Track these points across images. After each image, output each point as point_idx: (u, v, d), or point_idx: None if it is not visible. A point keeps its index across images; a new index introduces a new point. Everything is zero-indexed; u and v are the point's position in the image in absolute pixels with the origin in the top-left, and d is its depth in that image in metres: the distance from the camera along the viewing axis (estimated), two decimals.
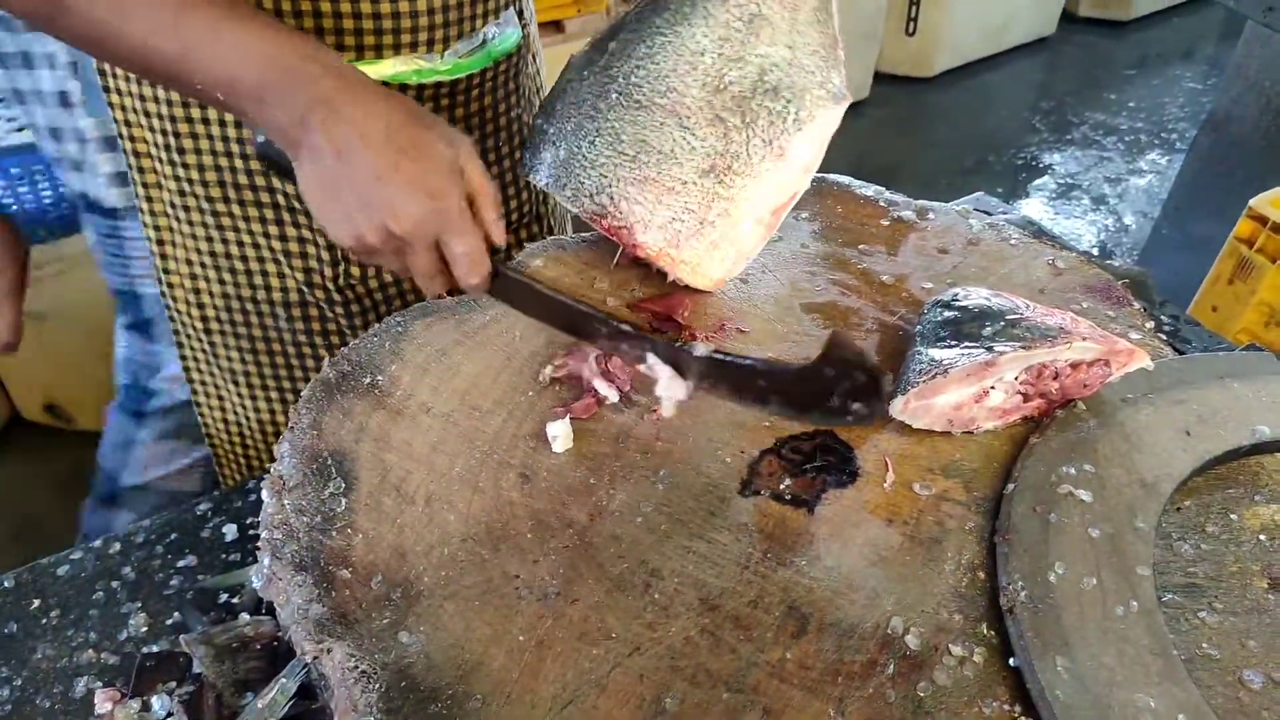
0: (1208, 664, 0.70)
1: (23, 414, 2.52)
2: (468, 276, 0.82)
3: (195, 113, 0.96)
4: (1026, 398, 0.84)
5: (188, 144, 0.98)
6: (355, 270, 1.04)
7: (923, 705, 0.66)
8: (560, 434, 0.83)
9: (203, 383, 1.17)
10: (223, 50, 0.75)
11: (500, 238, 0.84)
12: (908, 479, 0.82)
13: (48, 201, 2.02)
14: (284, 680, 0.76)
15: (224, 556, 0.96)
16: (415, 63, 0.97)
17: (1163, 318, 1.14)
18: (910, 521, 0.78)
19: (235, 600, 0.91)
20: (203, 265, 1.05)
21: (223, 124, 0.97)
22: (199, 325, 1.10)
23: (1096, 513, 0.77)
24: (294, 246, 1.02)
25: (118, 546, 0.98)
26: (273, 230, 1.01)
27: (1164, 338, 0.98)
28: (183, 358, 1.16)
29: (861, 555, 0.76)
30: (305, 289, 1.04)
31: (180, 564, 0.96)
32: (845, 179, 1.15)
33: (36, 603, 0.91)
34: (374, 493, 0.80)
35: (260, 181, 0.99)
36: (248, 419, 1.17)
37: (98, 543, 0.98)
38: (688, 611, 0.72)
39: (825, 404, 0.76)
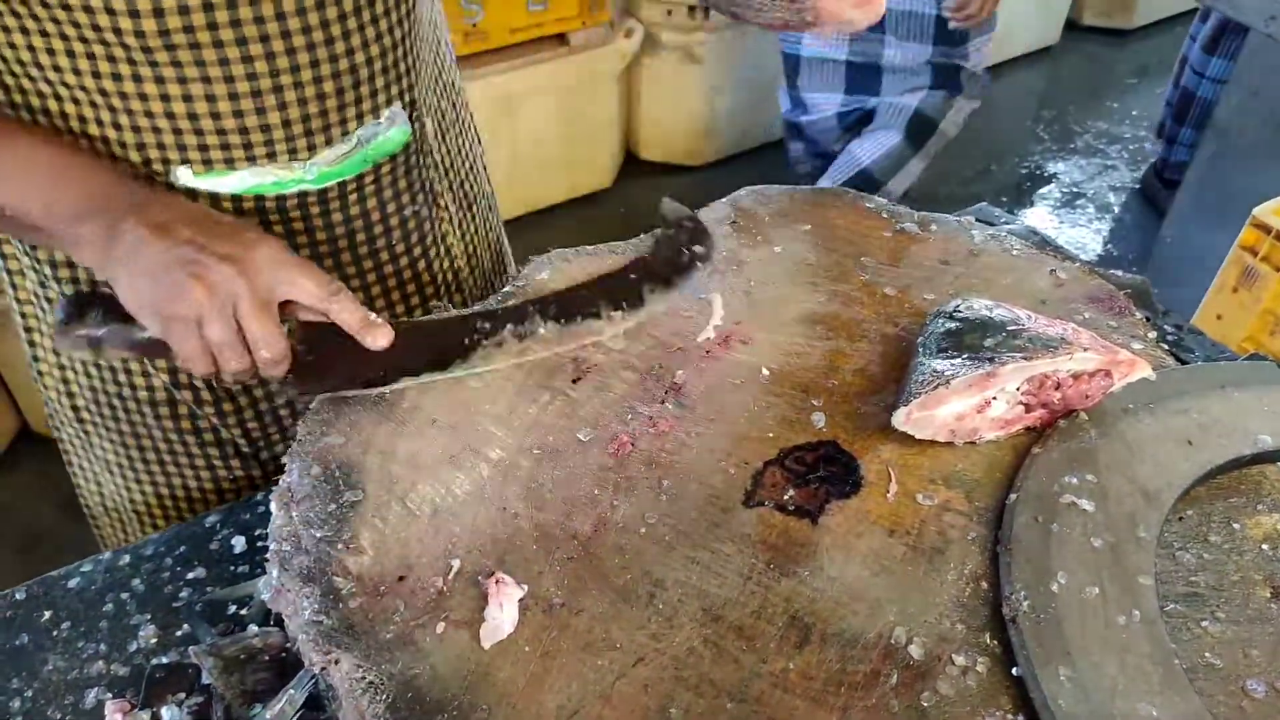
0: (1210, 673, 0.70)
1: (31, 427, 2.53)
2: (274, 366, 0.82)
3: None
4: (1028, 408, 0.85)
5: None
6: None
7: (926, 715, 0.67)
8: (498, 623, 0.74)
9: (80, 467, 1.15)
10: (38, 177, 0.80)
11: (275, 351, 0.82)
12: (910, 489, 0.82)
13: None
14: (292, 691, 0.77)
15: (232, 568, 0.97)
16: (276, 173, 0.89)
17: (1165, 327, 1.14)
18: (913, 532, 0.79)
19: (244, 612, 0.91)
20: (68, 358, 1.03)
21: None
22: (70, 414, 1.07)
23: (1098, 522, 0.78)
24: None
25: (127, 559, 0.98)
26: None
27: (1166, 348, 0.98)
28: (59, 440, 1.14)
29: (864, 565, 0.77)
30: (172, 388, 1.01)
31: (189, 576, 0.96)
32: (848, 191, 1.16)
33: (47, 615, 0.92)
34: (381, 505, 0.81)
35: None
36: (125, 505, 1.14)
37: (107, 555, 0.98)
38: (691, 622, 0.73)
39: (679, 264, 1.02)
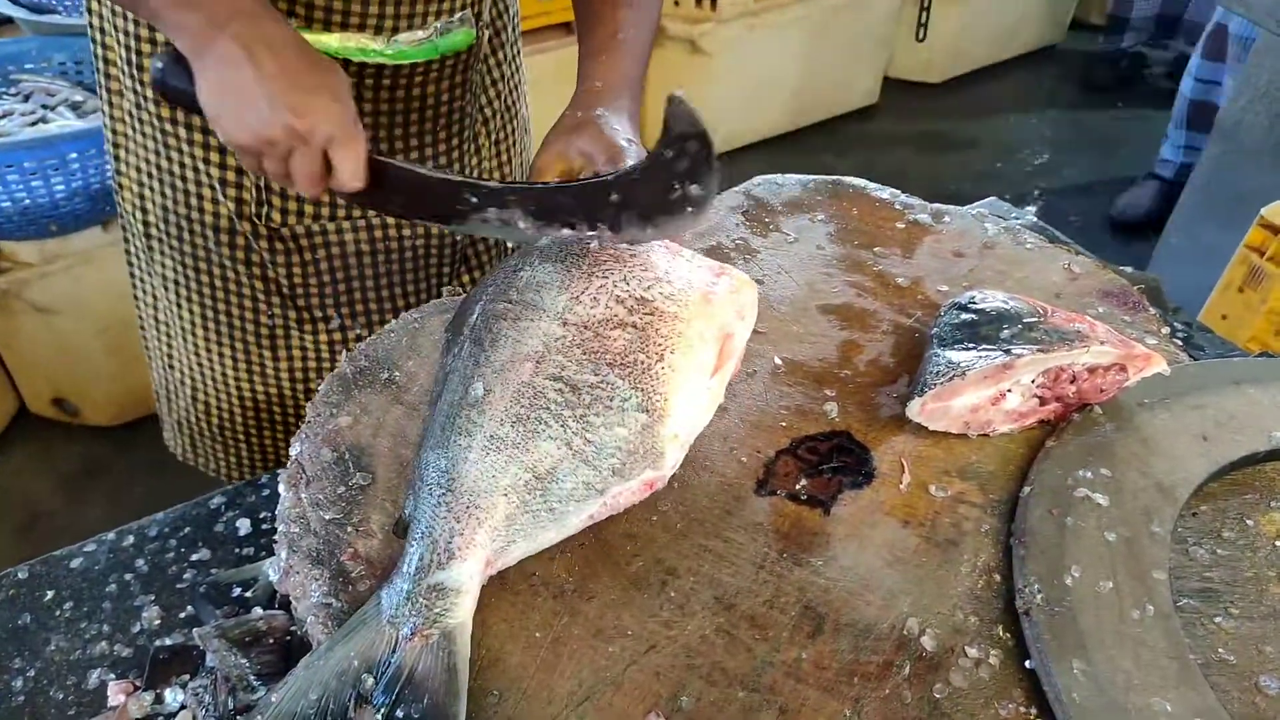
0: (1224, 669, 0.70)
1: (29, 407, 2.52)
2: (352, 181, 0.85)
3: (160, 35, 1.00)
4: (1043, 401, 0.84)
5: (146, 63, 1.03)
6: (276, 216, 1.08)
7: (939, 707, 0.66)
8: None
9: (140, 280, 1.23)
10: None
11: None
12: (924, 481, 0.82)
13: (60, 195, 2.02)
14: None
15: (237, 551, 0.96)
16: (361, 41, 0.99)
17: (1176, 324, 1.14)
18: (926, 523, 0.78)
19: (248, 594, 0.91)
20: (149, 175, 1.11)
21: None
22: (141, 229, 1.16)
23: (1113, 516, 0.77)
24: (230, 176, 1.07)
25: (131, 540, 0.98)
26: (214, 158, 1.06)
27: (1179, 343, 0.98)
28: (127, 252, 1.23)
29: (878, 556, 0.76)
30: (235, 219, 1.09)
31: (193, 558, 0.96)
32: (861, 181, 1.15)
33: (50, 594, 0.92)
34: (391, 489, 0.80)
35: None
36: (174, 320, 1.22)
37: (111, 535, 0.98)
38: (704, 610, 0.72)
39: (668, 200, 0.81)
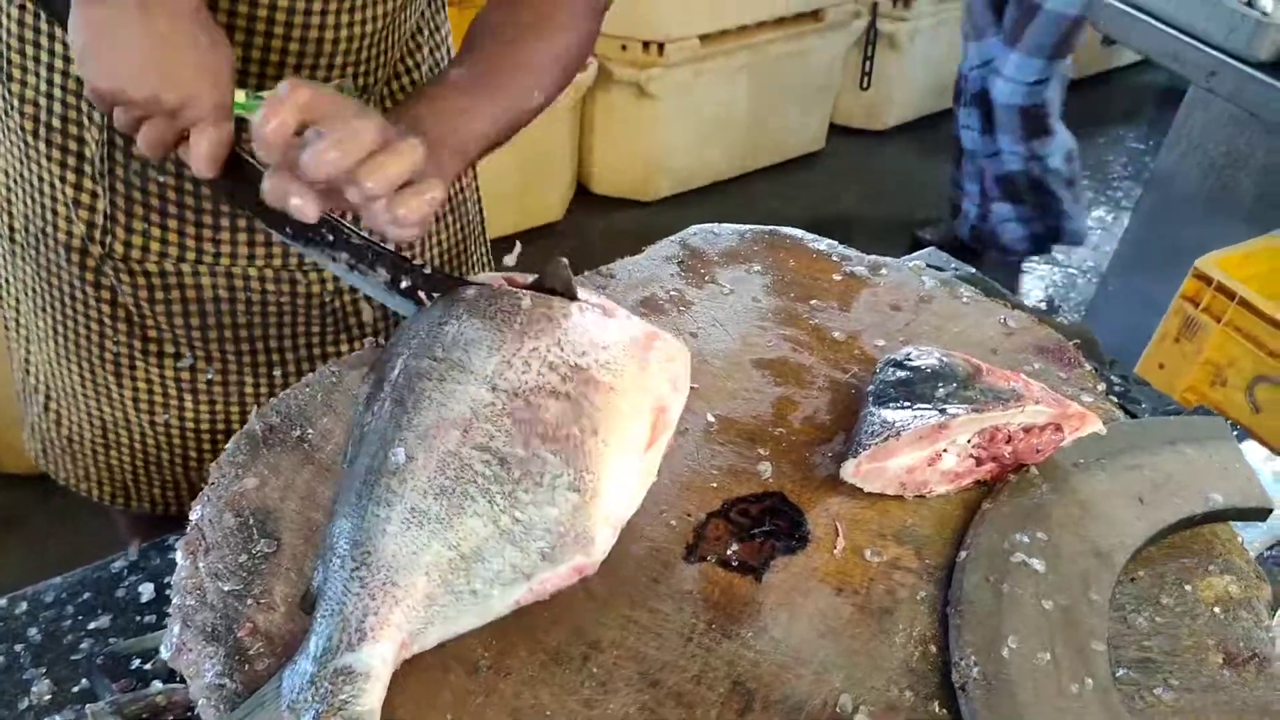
0: None
1: None
2: (205, 167, 0.80)
3: (43, 41, 0.97)
4: (979, 461, 0.83)
5: (15, 73, 0.99)
6: (119, 248, 1.03)
7: None
8: None
9: (6, 280, 1.18)
10: None
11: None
12: (859, 545, 0.79)
13: None
14: None
15: (138, 618, 0.90)
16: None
17: (1113, 378, 1.13)
18: (861, 591, 0.76)
19: (148, 666, 0.85)
20: (15, 181, 1.06)
21: (49, 67, 0.97)
22: (6, 231, 1.12)
23: (1050, 583, 0.75)
24: (84, 199, 1.02)
25: (24, 606, 0.91)
26: (69, 177, 1.01)
27: (1114, 400, 0.97)
28: None
29: (810, 626, 0.73)
30: (85, 240, 1.04)
31: (91, 625, 0.90)
32: (798, 232, 1.14)
33: None
34: (298, 556, 0.75)
35: (72, 130, 0.99)
36: (34, 329, 1.17)
37: (2, 601, 0.91)
38: (627, 687, 0.69)
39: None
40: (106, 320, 1.09)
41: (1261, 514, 0.85)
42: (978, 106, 3.18)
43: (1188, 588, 0.79)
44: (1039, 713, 0.66)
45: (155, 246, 1.03)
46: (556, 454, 0.74)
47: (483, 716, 0.66)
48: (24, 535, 2.30)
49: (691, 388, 0.90)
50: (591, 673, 0.69)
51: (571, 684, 0.69)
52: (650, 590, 0.75)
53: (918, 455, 0.80)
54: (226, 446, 0.83)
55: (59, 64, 0.97)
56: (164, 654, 0.71)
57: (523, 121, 0.97)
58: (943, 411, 0.79)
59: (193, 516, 0.78)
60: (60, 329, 1.13)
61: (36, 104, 0.99)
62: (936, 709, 0.68)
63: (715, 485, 0.83)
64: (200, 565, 0.74)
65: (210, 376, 1.13)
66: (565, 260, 0.85)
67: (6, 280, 1.18)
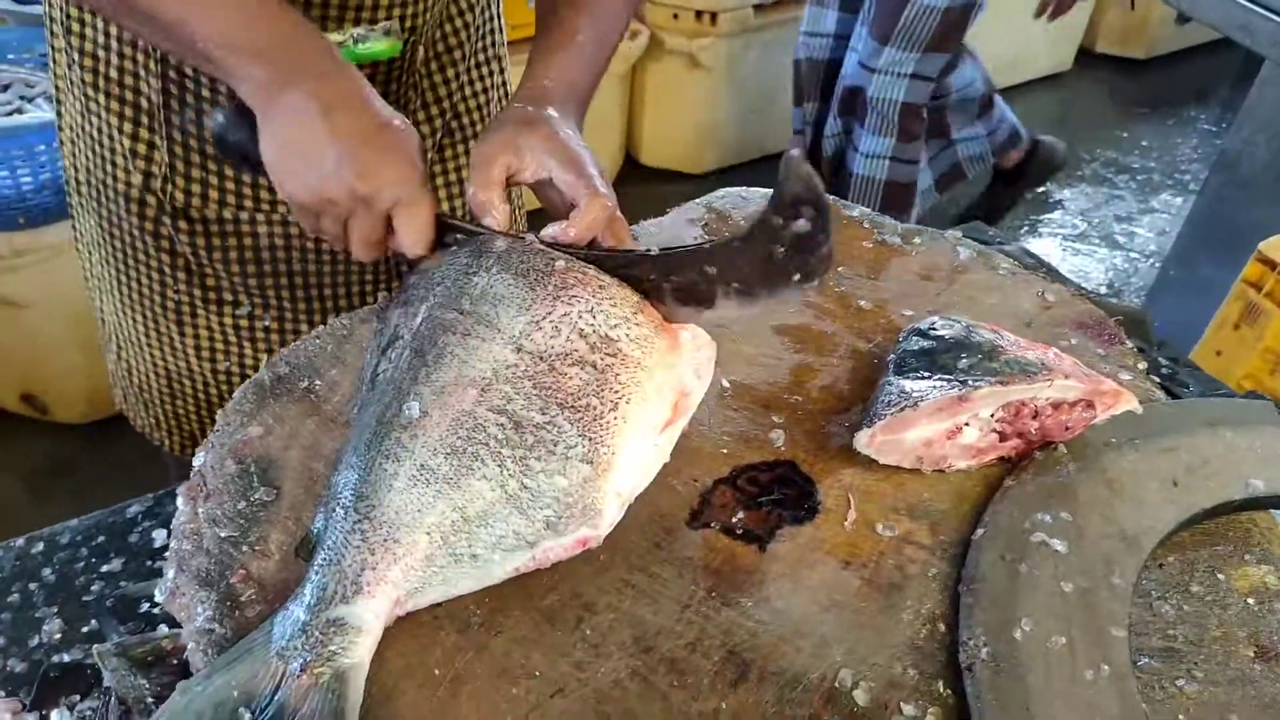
0: None
1: None
2: (418, 245, 0.83)
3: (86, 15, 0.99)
4: (1003, 437, 0.79)
5: (75, 27, 1.00)
6: (179, 196, 1.04)
7: None
8: None
9: (80, 234, 1.20)
10: (226, 12, 0.81)
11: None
12: (870, 518, 0.76)
13: (27, 187, 1.98)
14: None
15: (149, 563, 0.91)
16: None
17: (1160, 360, 1.08)
18: (869, 565, 0.73)
19: (156, 610, 0.85)
20: (77, 135, 1.08)
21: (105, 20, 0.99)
22: (74, 185, 1.14)
23: (1071, 565, 0.71)
24: (141, 148, 1.03)
25: (40, 547, 0.92)
26: (126, 127, 1.02)
27: (1156, 380, 0.92)
28: (68, 204, 1.20)
29: (813, 599, 0.70)
30: (144, 190, 1.06)
31: (104, 568, 0.90)
32: (830, 198, 1.10)
33: None
34: (296, 505, 0.74)
35: (128, 81, 1.00)
36: (101, 280, 1.20)
37: (20, 541, 0.92)
38: (620, 651, 0.67)
39: (770, 269, 0.77)
40: (167, 270, 1.10)
41: None
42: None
43: (1220, 576, 0.74)
44: (1049, 697, 0.63)
45: (214, 194, 1.04)
46: (574, 424, 0.72)
47: (471, 673, 0.65)
48: (72, 483, 2.35)
49: None
50: (585, 635, 0.68)
51: (563, 645, 0.67)
52: (651, 555, 0.73)
53: (936, 428, 0.76)
54: (234, 394, 0.83)
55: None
56: (158, 597, 0.71)
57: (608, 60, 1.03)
58: (964, 383, 0.75)
59: (196, 463, 0.78)
60: (124, 279, 1.14)
61: (95, 56, 1.00)
62: (941, 689, 0.65)
63: (726, 451, 0.81)
64: (199, 511, 0.74)
65: (267, 323, 1.14)
66: (796, 153, 0.73)
67: (81, 234, 1.21)
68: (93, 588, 0.89)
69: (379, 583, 0.66)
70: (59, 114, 1.12)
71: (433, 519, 0.68)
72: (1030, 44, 4.29)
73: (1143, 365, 0.92)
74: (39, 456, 2.42)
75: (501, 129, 0.89)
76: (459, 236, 0.86)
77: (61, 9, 1.01)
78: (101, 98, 1.02)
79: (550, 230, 0.85)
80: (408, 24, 1.01)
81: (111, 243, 1.12)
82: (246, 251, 1.09)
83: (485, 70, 1.19)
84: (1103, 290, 3.28)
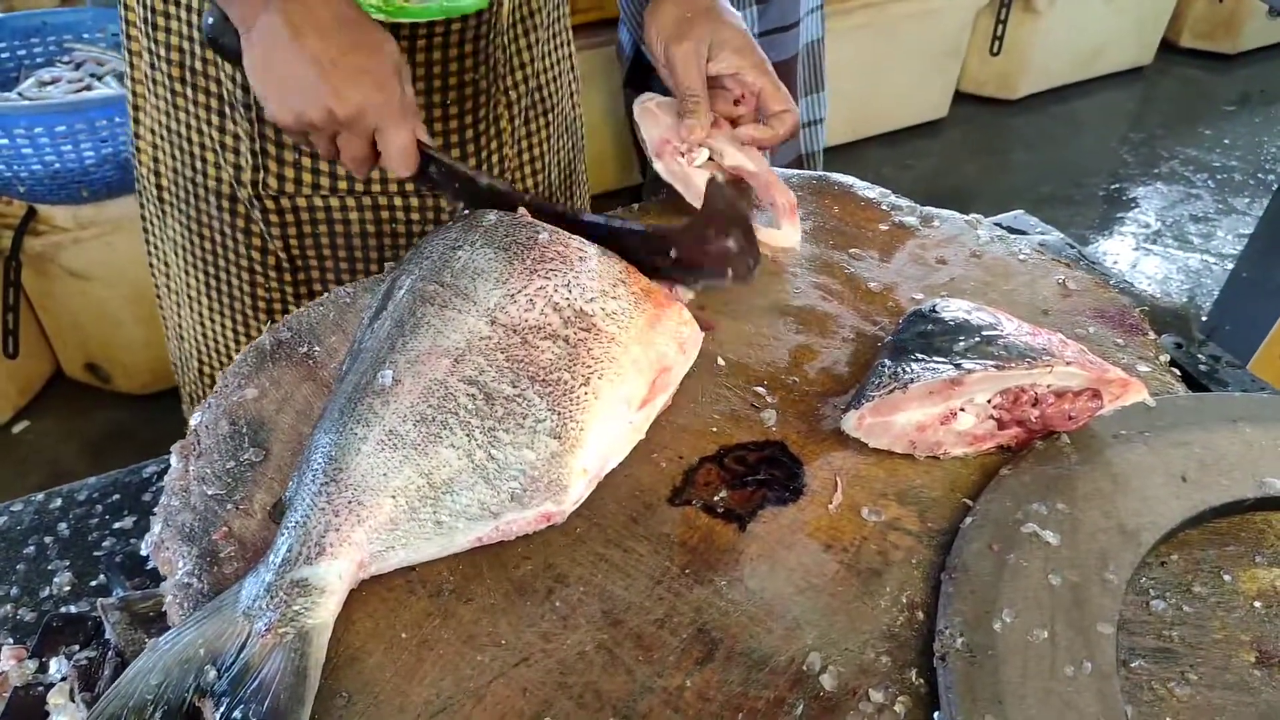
0: None
1: (65, 370, 2.57)
2: (400, 168, 0.84)
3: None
4: (1002, 424, 0.76)
5: (160, 21, 1.01)
6: (272, 182, 1.05)
7: None
8: None
9: (155, 245, 1.22)
10: None
11: (425, 135, 0.86)
12: (857, 502, 0.74)
13: (90, 162, 2.04)
14: None
15: None
16: None
17: (1199, 356, 1.03)
18: (850, 549, 0.71)
19: None
20: (161, 137, 1.10)
21: (189, 9, 0.99)
22: (154, 192, 1.15)
23: (1062, 558, 0.69)
24: (229, 141, 1.04)
25: (58, 502, 0.95)
26: (214, 120, 1.04)
27: (1177, 373, 0.88)
28: (143, 219, 1.22)
29: (789, 580, 0.69)
30: (234, 184, 1.06)
31: (116, 525, 0.93)
32: (849, 179, 1.07)
33: None
34: (283, 467, 0.75)
35: (212, 72, 1.01)
36: (183, 288, 1.21)
37: (40, 496, 0.96)
38: (588, 624, 0.66)
39: (705, 250, 0.86)
40: (257, 266, 1.12)
41: None
42: None
43: (1226, 577, 0.71)
44: (1023, 692, 0.61)
45: (307, 178, 1.06)
46: (544, 398, 0.72)
47: (438, 638, 0.65)
48: (131, 448, 2.43)
49: (708, 328, 0.87)
50: (554, 606, 0.67)
51: (532, 616, 0.67)
52: (627, 530, 0.72)
53: (929, 412, 0.74)
54: (236, 357, 0.84)
55: (196, 3, 0.99)
56: (144, 550, 0.73)
57: None
58: (958, 366, 0.73)
59: (192, 422, 0.79)
60: (212, 282, 1.16)
61: (181, 49, 1.02)
62: (914, 678, 0.63)
63: (715, 430, 0.79)
64: (190, 469, 0.75)
65: None
66: (720, 177, 0.91)
67: (156, 245, 1.22)
68: (104, 544, 0.91)
69: (342, 544, 0.66)
70: (136, 120, 1.13)
71: (398, 483, 0.68)
72: (1109, 36, 4.15)
73: (1164, 358, 0.88)
74: (100, 425, 2.51)
75: (693, 26, 0.94)
76: (440, 170, 0.87)
77: (148, 7, 1.02)
78: (189, 91, 1.03)
79: (746, 130, 0.97)
80: None
81: (201, 244, 1.14)
82: (338, 239, 1.10)
83: (560, 40, 1.19)
84: (1173, 292, 3.16)
